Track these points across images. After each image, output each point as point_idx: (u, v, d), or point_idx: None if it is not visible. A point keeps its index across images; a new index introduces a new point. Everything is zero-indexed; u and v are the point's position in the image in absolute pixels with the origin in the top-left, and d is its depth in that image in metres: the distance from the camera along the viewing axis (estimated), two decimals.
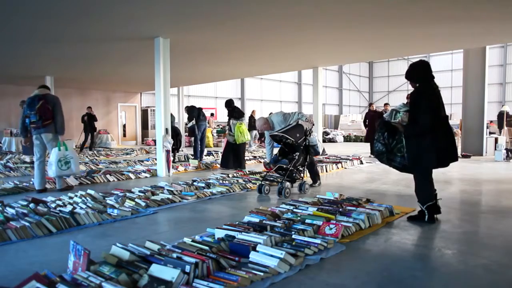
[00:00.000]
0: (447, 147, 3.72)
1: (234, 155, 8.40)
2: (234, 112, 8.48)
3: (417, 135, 3.71)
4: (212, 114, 20.90)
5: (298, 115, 5.72)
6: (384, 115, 4.13)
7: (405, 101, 4.17)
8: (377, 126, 4.06)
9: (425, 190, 3.83)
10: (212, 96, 25.19)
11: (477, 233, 3.66)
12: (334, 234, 3.26)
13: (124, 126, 19.52)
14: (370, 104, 12.15)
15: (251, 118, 17.19)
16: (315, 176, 6.18)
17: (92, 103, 16.30)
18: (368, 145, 11.66)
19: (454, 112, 26.51)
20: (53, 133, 5.70)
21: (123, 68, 11.91)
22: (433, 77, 3.81)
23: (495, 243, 3.27)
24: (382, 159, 4.02)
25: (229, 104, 8.62)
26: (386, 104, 11.94)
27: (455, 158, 3.79)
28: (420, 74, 3.81)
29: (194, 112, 9.81)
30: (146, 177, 7.52)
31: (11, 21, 6.59)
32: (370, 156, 10.33)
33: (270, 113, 6.56)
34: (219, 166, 8.75)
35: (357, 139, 20.97)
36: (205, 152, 10.82)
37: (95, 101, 17.52)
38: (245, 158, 8.84)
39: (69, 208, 4.40)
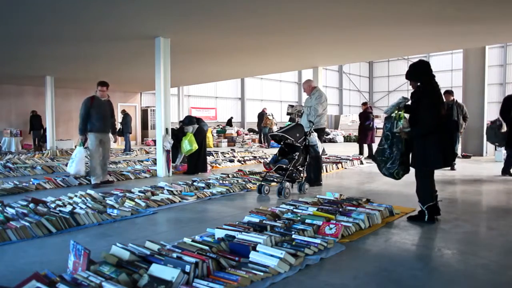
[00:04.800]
0: (449, 146, 3.73)
1: (198, 160, 8.08)
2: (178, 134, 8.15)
3: (423, 135, 3.67)
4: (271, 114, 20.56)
5: (311, 110, 6.10)
6: (384, 123, 4.02)
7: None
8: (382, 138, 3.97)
9: (426, 190, 3.82)
10: (212, 96, 25.18)
11: (477, 233, 3.66)
12: (334, 234, 3.26)
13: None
14: (364, 104, 11.44)
15: (262, 115, 17.10)
16: (317, 173, 6.17)
17: None
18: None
19: None
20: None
21: (123, 68, 11.91)
22: (434, 76, 3.81)
23: (495, 243, 3.28)
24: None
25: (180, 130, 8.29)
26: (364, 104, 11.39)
27: (454, 158, 3.82)
28: (421, 73, 3.81)
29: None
30: (146, 177, 7.52)
31: (11, 21, 6.59)
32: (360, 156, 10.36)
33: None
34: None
35: (357, 139, 20.95)
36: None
37: None
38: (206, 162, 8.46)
39: (69, 208, 4.40)
